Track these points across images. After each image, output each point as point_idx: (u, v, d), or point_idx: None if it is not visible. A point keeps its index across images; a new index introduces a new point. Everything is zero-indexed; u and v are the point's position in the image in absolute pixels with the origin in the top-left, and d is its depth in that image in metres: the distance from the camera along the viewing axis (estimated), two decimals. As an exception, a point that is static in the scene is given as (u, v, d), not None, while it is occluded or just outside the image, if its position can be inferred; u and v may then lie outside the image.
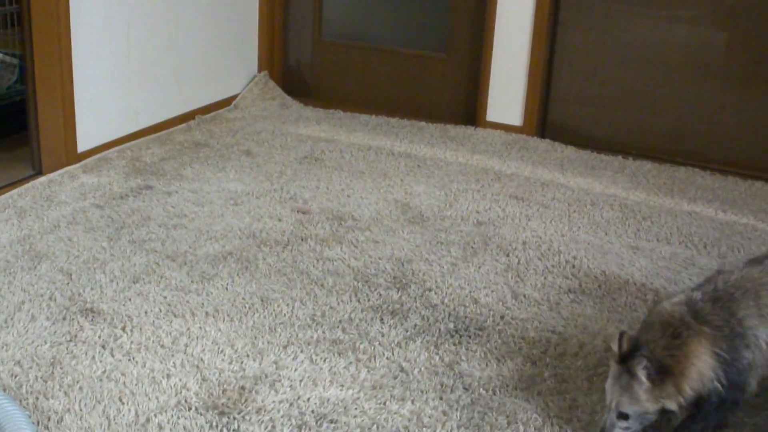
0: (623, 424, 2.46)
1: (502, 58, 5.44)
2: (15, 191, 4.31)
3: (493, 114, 5.57)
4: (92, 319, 3.20)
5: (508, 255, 3.82)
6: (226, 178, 4.63)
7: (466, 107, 5.71)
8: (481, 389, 2.86)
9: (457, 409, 2.75)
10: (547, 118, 5.51)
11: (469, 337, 3.18)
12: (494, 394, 2.84)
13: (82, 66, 4.60)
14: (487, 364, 3.00)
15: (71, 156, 4.64)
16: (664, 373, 2.38)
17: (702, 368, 2.39)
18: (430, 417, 2.71)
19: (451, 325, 3.24)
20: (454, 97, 5.76)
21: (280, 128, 5.51)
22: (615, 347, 2.45)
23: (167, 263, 3.64)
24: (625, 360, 2.42)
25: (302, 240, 3.90)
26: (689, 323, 2.44)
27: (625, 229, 4.13)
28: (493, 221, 4.17)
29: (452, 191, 4.53)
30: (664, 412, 2.45)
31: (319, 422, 2.67)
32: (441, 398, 2.81)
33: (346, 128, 5.58)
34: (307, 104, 6.09)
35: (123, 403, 2.74)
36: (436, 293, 3.48)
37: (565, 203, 4.42)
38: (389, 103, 5.94)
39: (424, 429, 2.66)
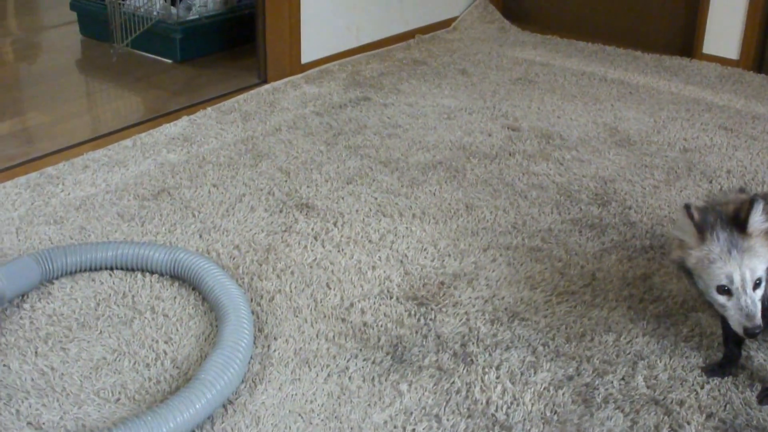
0: (759, 293, 2.23)
1: (722, -11, 5.30)
2: (241, 96, 4.58)
3: (709, 46, 5.43)
4: (307, 213, 3.40)
5: (711, 182, 3.78)
6: (441, 94, 4.74)
7: (683, 38, 5.58)
8: (669, 301, 2.89)
9: (644, 318, 2.79)
10: (765, 53, 5.32)
11: (663, 254, 3.19)
12: (681, 306, 2.86)
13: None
14: (679, 279, 3.01)
15: (295, 67, 4.88)
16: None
17: None
18: (617, 323, 2.77)
19: (647, 242, 3.26)
20: (672, 28, 5.64)
21: (496, 50, 5.57)
22: (688, 223, 2.26)
23: (380, 168, 3.80)
24: (704, 229, 2.24)
25: (510, 155, 3.98)
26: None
27: (840, 163, 4.01)
28: (699, 149, 4.11)
29: (661, 118, 4.49)
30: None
31: (510, 319, 2.77)
32: (629, 307, 2.85)
33: (562, 54, 5.58)
34: (525, 29, 6.10)
35: (330, 288, 2.92)
36: (635, 212, 3.49)
37: (775, 136, 4.32)
38: (606, 31, 5.88)
39: (610, 333, 2.72)
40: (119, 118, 4.33)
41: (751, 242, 2.22)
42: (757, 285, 2.23)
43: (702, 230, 2.26)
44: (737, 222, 2.24)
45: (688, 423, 2.37)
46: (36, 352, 2.60)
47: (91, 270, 3.00)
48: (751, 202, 2.22)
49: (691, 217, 2.26)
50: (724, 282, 2.24)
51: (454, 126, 4.28)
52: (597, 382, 2.52)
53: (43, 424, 2.32)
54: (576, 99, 4.74)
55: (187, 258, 2.91)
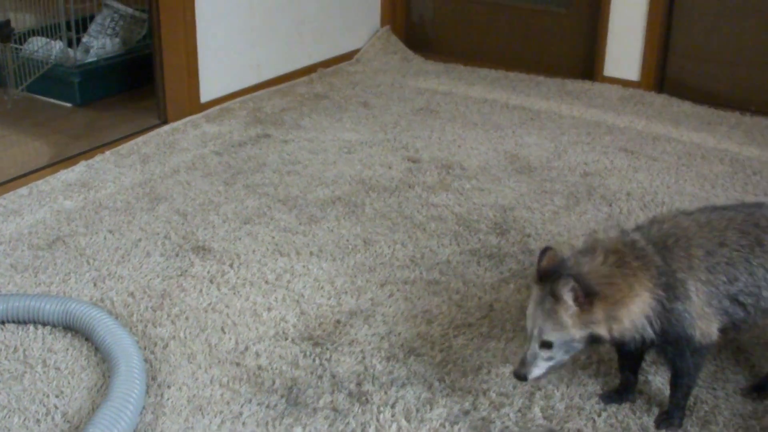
0: (546, 353, 2.31)
1: (621, 12, 5.38)
2: (140, 138, 4.53)
3: (610, 69, 5.52)
4: (203, 256, 3.37)
5: (610, 205, 3.84)
6: (342, 128, 4.75)
7: (585, 62, 5.68)
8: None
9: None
10: (665, 73, 5.44)
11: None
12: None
13: (206, 19, 4.78)
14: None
15: (194, 106, 4.85)
16: (594, 297, 2.24)
17: (640, 305, 2.28)
18: (514, 354, 2.78)
19: (548, 269, 3.29)
20: (573, 52, 5.73)
21: (399, 81, 5.60)
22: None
23: (278, 206, 3.79)
24: (545, 280, 2.30)
25: (409, 187, 3.99)
26: (639, 256, 2.32)
27: (732, 183, 4.08)
28: (599, 172, 4.18)
29: (562, 143, 4.55)
30: (591, 341, 2.31)
31: (407, 355, 2.77)
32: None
33: (465, 81, 5.63)
34: (428, 58, 6.15)
35: (224, 333, 2.90)
36: (534, 239, 3.53)
37: (674, 156, 4.38)
38: (509, 57, 5.95)
39: (507, 364, 2.73)
40: (16, 166, 4.25)
41: (557, 307, 2.27)
42: (545, 345, 2.31)
43: (539, 275, 2.34)
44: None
45: (581, 451, 2.39)
46: None
47: (-19, 325, 2.94)
48: (558, 278, 2.27)
49: (539, 260, 2.35)
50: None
51: (354, 160, 4.29)
52: (493, 416, 2.53)
53: (-75, 489, 2.27)
54: (477, 127, 4.78)
55: (79, 308, 2.87)
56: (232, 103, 5.06)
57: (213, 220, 3.66)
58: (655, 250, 2.34)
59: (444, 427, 2.47)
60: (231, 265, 3.31)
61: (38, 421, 2.51)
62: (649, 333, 2.31)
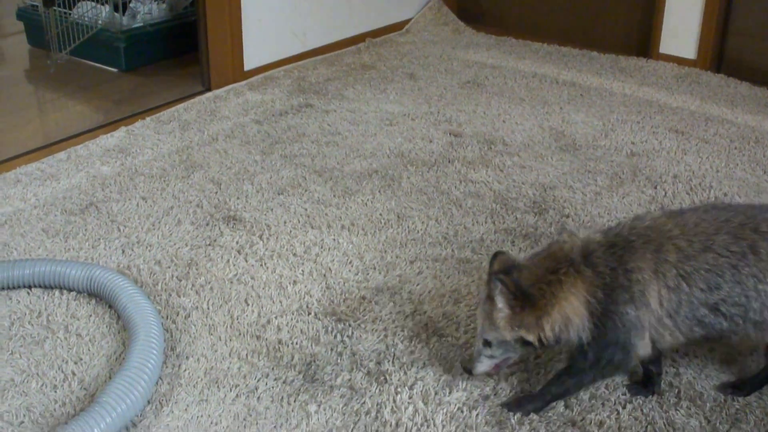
0: (488, 351, 2.34)
1: (679, -14, 5.25)
2: (182, 105, 4.51)
3: (666, 46, 5.38)
4: (233, 226, 3.34)
5: (655, 187, 3.73)
6: (386, 99, 4.69)
7: (640, 38, 5.54)
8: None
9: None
10: (723, 52, 5.28)
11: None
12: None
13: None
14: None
15: (238, 74, 4.81)
16: (525, 303, 2.22)
17: (569, 312, 2.21)
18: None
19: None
20: (628, 28, 5.59)
21: (448, 53, 5.51)
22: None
23: (313, 177, 3.74)
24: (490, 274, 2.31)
25: (449, 162, 3.92)
26: (573, 262, 2.24)
27: (787, 168, 3.96)
28: (647, 153, 4.06)
29: (610, 122, 4.43)
30: (527, 345, 2.29)
31: (430, 335, 2.71)
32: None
33: (515, 55, 5.52)
34: (480, 31, 6.05)
35: (248, 305, 2.86)
36: (573, 220, 3.44)
37: (727, 139, 4.24)
38: (562, 31, 5.83)
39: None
40: (58, 130, 4.26)
41: (492, 309, 2.27)
42: (486, 343, 2.33)
43: (489, 277, 2.33)
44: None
45: (603, 443, 2.31)
46: (-58, 376, 2.54)
47: (8, 288, 2.93)
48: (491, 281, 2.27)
49: (490, 264, 2.35)
50: None
51: (395, 132, 4.22)
52: (514, 401, 2.46)
53: (-61, 451, 2.27)
54: (524, 102, 4.69)
55: (103, 275, 2.85)
56: (277, 71, 5.02)
57: (247, 189, 3.63)
58: (609, 253, 2.24)
59: (462, 411, 2.40)
60: (260, 237, 3.27)
61: (55, 387, 2.50)
62: (587, 337, 2.24)
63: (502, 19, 6.11)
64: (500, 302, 2.24)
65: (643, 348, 2.28)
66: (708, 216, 2.32)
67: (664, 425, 2.37)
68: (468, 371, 2.41)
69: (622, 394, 2.48)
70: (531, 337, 2.26)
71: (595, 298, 2.21)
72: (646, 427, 2.36)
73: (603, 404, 2.44)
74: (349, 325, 2.76)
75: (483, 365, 2.37)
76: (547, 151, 4.06)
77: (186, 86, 4.81)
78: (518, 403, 2.41)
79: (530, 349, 2.35)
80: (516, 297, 2.23)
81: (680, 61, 5.33)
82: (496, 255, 2.35)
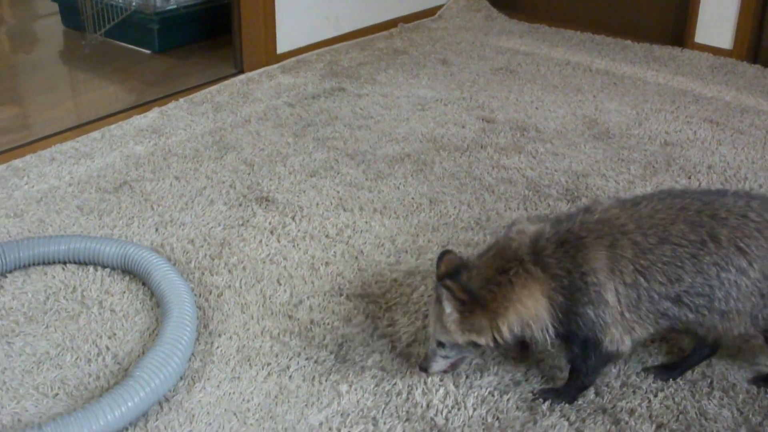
0: (442, 352, 2.33)
1: (715, -25, 5.22)
2: (215, 87, 4.53)
3: (702, 35, 5.34)
4: (266, 207, 3.35)
5: (689, 177, 3.71)
6: (419, 84, 4.69)
7: (675, 27, 5.50)
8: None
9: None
10: (761, 43, 5.23)
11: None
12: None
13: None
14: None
15: (271, 56, 4.83)
16: (475, 306, 2.18)
17: (524, 314, 2.17)
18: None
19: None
20: (663, 16, 5.56)
21: (480, 39, 5.50)
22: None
23: (346, 161, 3.75)
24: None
25: (482, 147, 3.92)
26: (523, 261, 2.19)
27: (822, 159, 3.92)
28: (681, 143, 4.04)
29: (644, 111, 4.41)
30: (480, 346, 2.27)
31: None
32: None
33: (548, 42, 5.51)
34: (513, 17, 6.03)
35: (280, 285, 2.87)
36: (606, 207, 3.43)
37: (762, 130, 4.19)
38: (596, 20, 5.80)
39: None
40: (92, 110, 4.30)
41: (441, 312, 2.24)
42: (439, 344, 2.32)
43: (438, 279, 2.30)
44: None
45: (635, 432, 2.31)
46: (-21, 347, 2.57)
47: (44, 264, 2.97)
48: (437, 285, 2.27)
49: (437, 265, 2.32)
50: None
51: (428, 117, 4.23)
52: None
53: (-24, 420, 2.29)
54: (557, 90, 4.67)
55: (137, 252, 2.87)
56: (309, 55, 5.03)
57: (279, 171, 3.64)
58: (561, 251, 2.19)
59: (493, 395, 2.41)
60: (293, 218, 3.28)
61: (89, 360, 2.53)
62: (550, 338, 2.22)
63: (534, 6, 6.08)
64: (448, 307, 2.21)
65: (613, 343, 2.23)
66: (662, 205, 2.25)
67: (696, 415, 2.36)
68: (423, 370, 2.41)
69: (653, 383, 2.47)
70: (482, 341, 2.22)
71: (556, 301, 2.18)
72: (678, 416, 2.36)
73: (634, 392, 2.44)
74: (381, 307, 2.77)
75: (438, 365, 2.38)
76: (580, 138, 4.05)
77: (219, 68, 4.83)
78: (549, 394, 2.41)
79: (486, 349, 2.33)
80: (464, 302, 2.19)
81: (716, 51, 5.28)
82: (442, 255, 2.31)
